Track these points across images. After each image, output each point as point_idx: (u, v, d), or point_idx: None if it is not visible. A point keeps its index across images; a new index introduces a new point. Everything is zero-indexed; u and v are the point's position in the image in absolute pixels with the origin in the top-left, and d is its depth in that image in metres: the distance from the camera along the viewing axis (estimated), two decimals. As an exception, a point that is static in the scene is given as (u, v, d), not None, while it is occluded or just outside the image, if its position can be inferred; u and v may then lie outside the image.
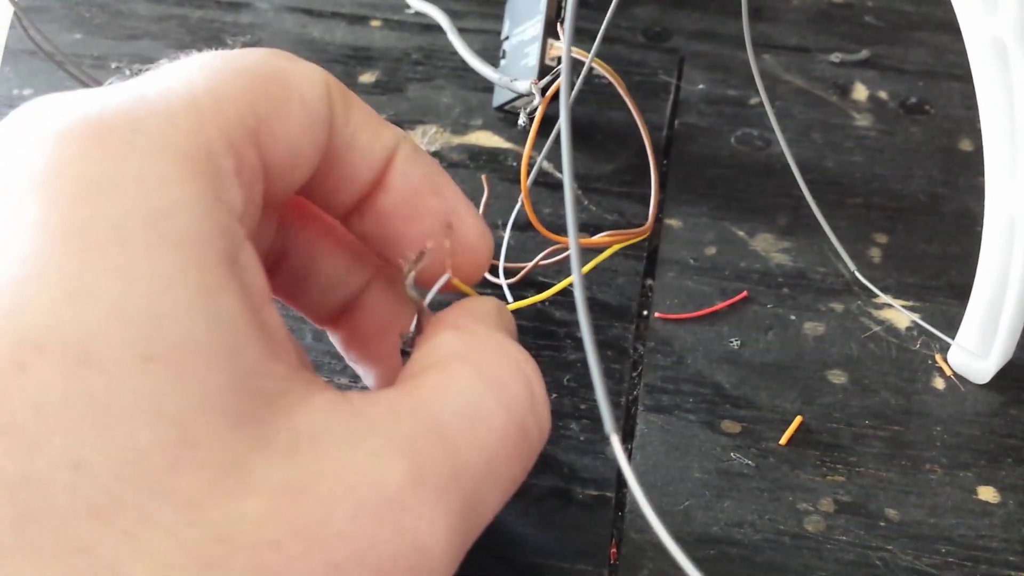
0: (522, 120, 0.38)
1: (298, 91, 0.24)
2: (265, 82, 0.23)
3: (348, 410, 0.21)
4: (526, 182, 0.33)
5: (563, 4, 0.39)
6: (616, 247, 0.35)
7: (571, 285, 0.36)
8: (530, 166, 0.40)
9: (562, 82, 0.22)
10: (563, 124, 0.21)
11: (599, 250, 0.36)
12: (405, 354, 0.27)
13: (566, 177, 0.20)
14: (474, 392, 0.23)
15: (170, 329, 0.19)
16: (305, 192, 0.26)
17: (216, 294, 0.20)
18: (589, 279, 0.38)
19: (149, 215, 0.20)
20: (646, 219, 0.40)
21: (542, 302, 0.37)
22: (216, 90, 0.22)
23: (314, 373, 0.23)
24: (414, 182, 0.26)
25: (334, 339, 0.31)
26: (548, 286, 0.37)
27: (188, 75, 0.22)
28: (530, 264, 0.37)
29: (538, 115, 0.36)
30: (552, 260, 0.37)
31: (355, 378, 0.34)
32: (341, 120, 0.25)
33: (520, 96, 0.39)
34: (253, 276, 0.22)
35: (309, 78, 0.24)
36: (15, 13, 0.38)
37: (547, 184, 0.41)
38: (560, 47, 0.37)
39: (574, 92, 0.38)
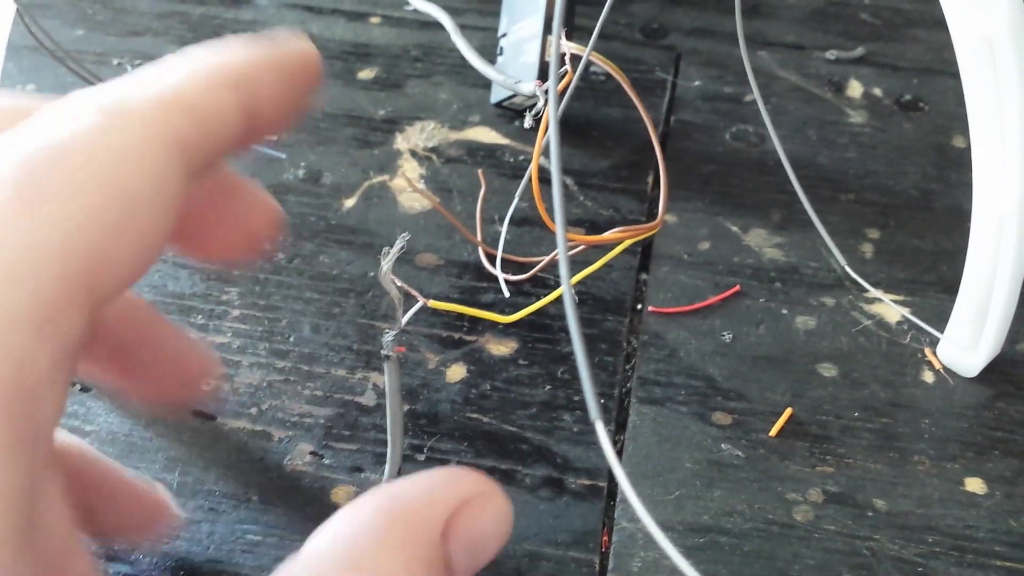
0: (528, 123, 0.38)
1: (145, 203, 0.19)
2: (106, 209, 0.18)
3: None
4: (537, 186, 0.33)
5: None
6: (627, 243, 0.35)
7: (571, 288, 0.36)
8: (540, 168, 0.40)
9: (550, 79, 0.23)
10: (551, 120, 0.21)
11: (608, 247, 0.36)
12: (387, 358, 0.28)
13: (554, 176, 0.21)
14: None
15: None
16: None
17: None
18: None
19: None
20: (642, 215, 0.40)
21: (537, 296, 0.37)
22: (29, 258, 0.17)
23: None
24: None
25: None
26: (545, 281, 0.37)
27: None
28: (545, 260, 0.37)
29: (544, 118, 0.36)
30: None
31: (352, 369, 0.35)
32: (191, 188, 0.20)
33: (519, 94, 0.40)
34: (53, 533, 0.18)
35: (156, 175, 0.19)
36: (18, 9, 0.39)
37: (544, 180, 0.41)
38: (562, 44, 0.37)
39: (571, 87, 0.39)
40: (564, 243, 0.20)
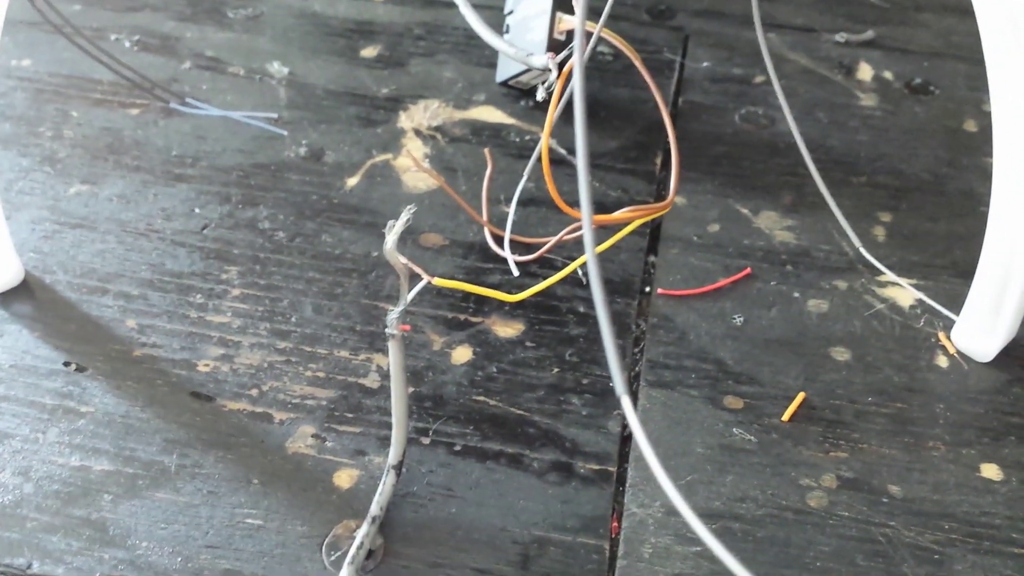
0: (541, 94, 0.37)
1: None
2: None
3: None
4: (547, 162, 0.33)
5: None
6: (638, 222, 0.35)
7: (577, 271, 0.35)
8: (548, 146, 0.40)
9: (575, 56, 0.22)
10: (576, 100, 0.21)
11: (617, 227, 0.35)
12: (391, 337, 0.28)
13: (580, 156, 0.20)
14: None
15: None
16: None
17: None
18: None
19: None
20: (650, 195, 0.39)
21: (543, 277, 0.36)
22: None
23: None
24: None
25: None
26: (553, 263, 0.36)
27: None
28: (553, 240, 0.36)
29: (556, 90, 0.35)
30: (575, 235, 0.37)
31: (355, 351, 0.34)
32: None
33: (527, 71, 0.39)
34: None
35: None
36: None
37: (551, 160, 0.40)
38: (569, 21, 0.36)
39: (584, 59, 0.38)
40: (589, 207, 0.19)
